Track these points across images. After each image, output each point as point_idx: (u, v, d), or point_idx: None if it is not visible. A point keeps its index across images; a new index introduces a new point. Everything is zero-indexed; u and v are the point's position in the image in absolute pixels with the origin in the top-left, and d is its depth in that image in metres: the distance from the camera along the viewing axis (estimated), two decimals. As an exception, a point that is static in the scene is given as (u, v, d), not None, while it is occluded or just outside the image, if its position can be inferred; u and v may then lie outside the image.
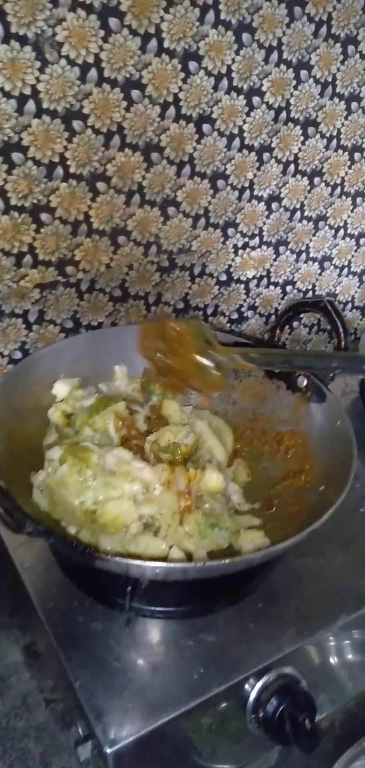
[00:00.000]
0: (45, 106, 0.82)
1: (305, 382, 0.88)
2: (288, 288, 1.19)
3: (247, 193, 1.03)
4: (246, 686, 0.74)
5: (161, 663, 0.72)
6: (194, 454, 0.82)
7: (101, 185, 0.90)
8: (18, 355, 0.96)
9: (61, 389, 0.87)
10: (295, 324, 1.22)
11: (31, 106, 0.81)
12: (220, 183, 1.00)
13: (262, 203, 1.06)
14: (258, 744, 0.78)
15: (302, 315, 1.20)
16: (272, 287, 1.16)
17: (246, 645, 0.75)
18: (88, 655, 0.71)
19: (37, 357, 0.89)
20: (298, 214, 1.11)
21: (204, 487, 0.78)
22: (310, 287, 1.21)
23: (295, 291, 1.20)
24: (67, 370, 0.88)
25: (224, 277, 1.09)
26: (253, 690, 0.74)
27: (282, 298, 1.19)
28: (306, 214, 1.11)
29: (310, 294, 1.22)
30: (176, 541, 0.71)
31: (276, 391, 0.91)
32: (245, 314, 1.16)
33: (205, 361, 0.71)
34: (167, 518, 0.73)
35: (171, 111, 0.90)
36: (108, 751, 0.64)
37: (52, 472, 0.72)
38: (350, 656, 0.85)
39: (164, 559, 0.72)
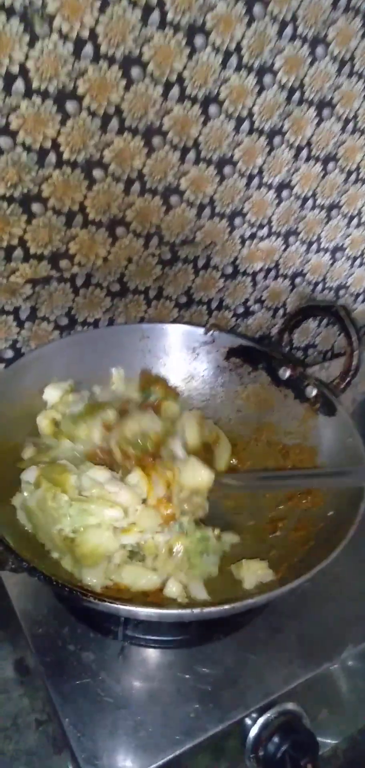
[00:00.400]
0: (35, 85, 0.74)
1: (314, 392, 0.83)
2: (297, 280, 1.12)
3: (256, 180, 0.96)
4: (247, 721, 0.70)
5: (156, 699, 0.68)
6: (165, 442, 0.76)
7: (97, 173, 0.83)
8: (9, 354, 0.90)
9: (52, 394, 0.81)
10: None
11: (19, 85, 0.74)
12: (227, 169, 0.93)
13: (272, 191, 0.99)
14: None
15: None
16: (280, 280, 1.10)
17: (247, 679, 0.71)
18: (78, 689, 0.68)
19: (27, 360, 0.83)
20: (310, 202, 1.04)
21: (188, 485, 0.72)
22: (320, 279, 1.14)
23: (304, 283, 1.13)
24: (61, 372, 0.83)
25: (229, 270, 1.03)
26: (254, 726, 0.70)
27: (291, 291, 1.13)
28: (318, 202, 1.04)
29: (320, 286, 1.15)
30: (166, 573, 0.66)
31: (283, 399, 0.86)
32: (251, 308, 1.10)
33: None
34: (151, 547, 0.68)
35: (175, 91, 0.83)
36: (99, 799, 0.61)
37: (29, 495, 0.67)
38: (358, 681, 0.81)
39: (159, 591, 0.67)
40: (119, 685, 0.69)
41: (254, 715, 0.70)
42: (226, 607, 0.58)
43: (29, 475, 0.68)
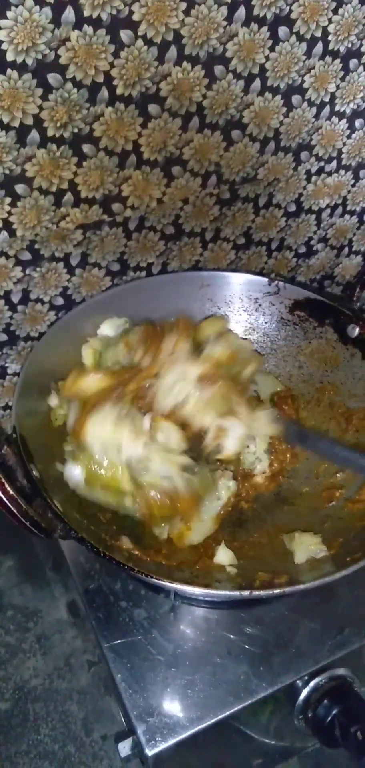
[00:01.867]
0: (86, 14, 0.69)
1: (357, 331, 0.80)
2: (366, 216, 1.05)
3: (326, 109, 0.89)
4: (297, 683, 0.71)
5: (207, 659, 0.70)
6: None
7: (153, 108, 0.78)
8: (60, 301, 0.89)
9: (107, 330, 0.80)
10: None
11: (69, 15, 0.69)
12: (295, 99, 0.85)
13: (344, 120, 0.91)
14: (299, 738, 0.77)
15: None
16: (347, 216, 1.03)
17: (298, 643, 0.72)
18: (130, 647, 0.70)
19: (82, 309, 0.83)
20: (386, 131, 0.95)
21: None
22: (392, 214, 1.07)
23: (374, 219, 1.06)
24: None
25: (293, 208, 0.97)
26: (304, 689, 0.71)
27: (358, 228, 1.06)
28: (395, 131, 0.96)
29: (392, 222, 1.08)
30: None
31: (350, 359, 0.82)
32: (314, 247, 1.04)
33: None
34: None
35: (240, 12, 0.76)
36: (149, 753, 0.64)
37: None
38: None
39: (210, 557, 0.67)
40: (171, 644, 0.71)
41: (305, 678, 0.71)
42: (276, 591, 0.58)
43: (73, 471, 0.66)
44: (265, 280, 0.86)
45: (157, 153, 0.82)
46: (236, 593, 0.58)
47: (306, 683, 0.71)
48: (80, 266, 0.87)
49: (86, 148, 0.77)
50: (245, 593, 0.57)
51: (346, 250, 1.08)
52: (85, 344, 0.79)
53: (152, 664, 0.69)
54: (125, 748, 0.66)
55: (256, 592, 0.57)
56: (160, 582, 0.58)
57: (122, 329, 0.81)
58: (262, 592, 0.58)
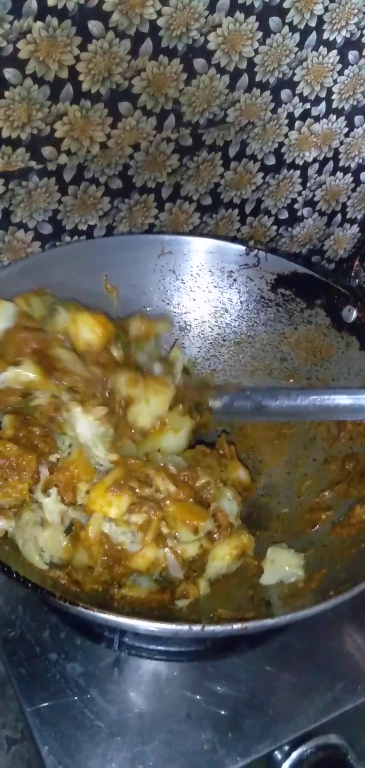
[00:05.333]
0: None
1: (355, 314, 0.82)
2: (363, 175, 1.09)
3: (313, 36, 0.91)
4: (276, 755, 0.71)
5: (161, 725, 0.69)
6: None
7: (94, 26, 0.79)
8: (-27, 271, 0.89)
9: None
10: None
11: None
12: (273, 22, 0.88)
13: (334, 51, 0.94)
14: None
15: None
16: (339, 174, 1.07)
17: (276, 703, 0.72)
18: (62, 711, 0.69)
19: (3, 277, 0.83)
20: (386, 67, 0.98)
21: None
22: (395, 174, 1.10)
23: (373, 179, 1.10)
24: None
25: (272, 160, 1.00)
26: (284, 764, 0.71)
27: (353, 190, 1.09)
28: (397, 68, 0.99)
29: (394, 183, 1.11)
30: None
31: (345, 349, 0.84)
32: (299, 213, 1.07)
33: None
34: None
35: None
36: None
37: None
38: None
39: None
40: (114, 706, 0.70)
41: (285, 749, 0.71)
42: (235, 626, 0.58)
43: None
44: (242, 248, 0.88)
45: (99, 84, 0.83)
46: (185, 627, 0.58)
47: (288, 754, 0.71)
48: (1, 227, 0.87)
49: (9, 73, 0.78)
50: (197, 628, 0.57)
51: (339, 217, 1.11)
52: None
53: (89, 732, 0.68)
54: None
55: (210, 627, 0.58)
56: (98, 615, 0.57)
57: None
58: (217, 627, 0.59)
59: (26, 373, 0.71)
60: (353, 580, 0.64)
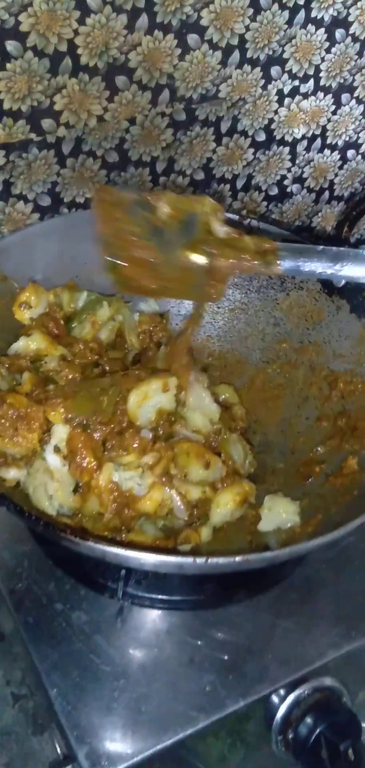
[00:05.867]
0: None
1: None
2: (350, 153, 1.12)
3: (301, 14, 0.94)
4: (274, 699, 0.74)
5: (164, 668, 0.72)
6: None
7: (92, 0, 0.81)
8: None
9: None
10: None
11: None
12: (264, -1, 0.91)
13: (321, 30, 0.97)
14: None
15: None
16: (327, 152, 1.10)
17: (274, 648, 0.75)
18: (68, 655, 0.71)
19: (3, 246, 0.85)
20: (372, 46, 1.02)
21: None
22: (381, 152, 1.13)
23: (359, 157, 1.13)
24: (49, 264, 0.85)
25: (262, 136, 1.03)
26: (282, 705, 0.74)
27: (341, 168, 1.12)
28: (382, 47, 1.02)
29: (380, 161, 1.15)
30: None
31: (335, 313, 0.87)
32: (288, 189, 1.10)
33: (197, 260, 0.65)
34: None
35: None
36: (93, 782, 0.65)
37: None
38: None
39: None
40: (118, 650, 0.72)
41: (282, 692, 0.74)
42: (237, 559, 0.60)
43: None
44: (235, 217, 0.89)
45: (97, 57, 0.85)
46: (189, 560, 0.61)
47: (285, 696, 0.74)
48: (2, 198, 0.90)
49: (11, 45, 0.80)
50: (200, 560, 0.60)
51: (326, 194, 1.14)
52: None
53: (95, 675, 0.70)
54: (62, 777, 0.68)
55: (213, 560, 0.60)
56: (108, 550, 0.60)
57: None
58: (220, 559, 0.61)
59: (35, 343, 0.77)
60: (347, 523, 0.67)
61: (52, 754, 0.79)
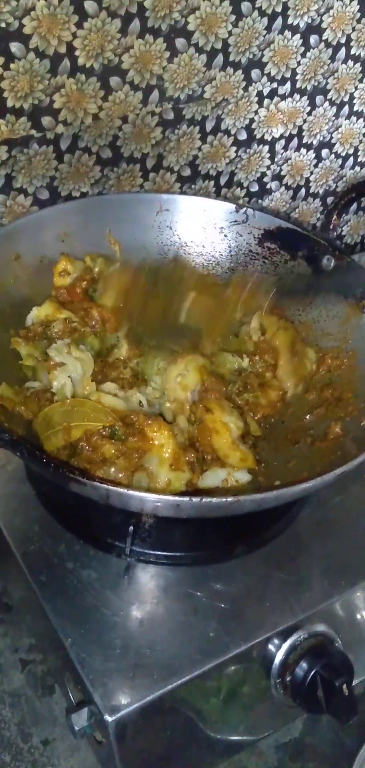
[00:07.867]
0: None
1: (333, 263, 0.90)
2: (324, 152, 1.19)
3: (279, 20, 1.01)
4: (271, 646, 0.79)
5: (171, 617, 0.76)
6: None
7: (89, 5, 0.87)
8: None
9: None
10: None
11: None
12: (245, 6, 0.97)
13: (297, 35, 1.04)
14: (282, 711, 0.85)
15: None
16: (303, 150, 1.16)
17: (271, 597, 0.80)
18: (80, 609, 0.76)
19: (14, 228, 0.88)
20: (343, 51, 1.09)
21: None
22: (352, 151, 1.20)
23: (332, 156, 1.20)
24: (57, 247, 0.89)
25: (243, 135, 1.09)
26: (280, 650, 0.79)
27: (315, 166, 1.19)
28: (352, 52, 1.10)
29: (351, 161, 1.22)
30: None
31: (324, 295, 0.92)
32: (268, 185, 1.16)
33: None
34: None
35: None
36: (109, 719, 0.69)
37: None
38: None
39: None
40: (127, 603, 0.77)
41: (278, 640, 0.79)
42: (229, 499, 0.65)
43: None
44: (232, 206, 0.95)
45: (93, 59, 0.91)
46: (186, 499, 0.66)
47: (282, 642, 0.79)
48: (4, 191, 0.94)
49: (14, 47, 0.85)
50: (196, 499, 0.65)
51: (303, 191, 1.21)
52: None
53: (106, 625, 0.75)
54: (79, 719, 0.72)
55: (207, 499, 0.65)
56: (99, 487, 0.65)
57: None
58: (213, 499, 0.66)
59: (43, 310, 0.82)
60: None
61: (61, 715, 0.84)
